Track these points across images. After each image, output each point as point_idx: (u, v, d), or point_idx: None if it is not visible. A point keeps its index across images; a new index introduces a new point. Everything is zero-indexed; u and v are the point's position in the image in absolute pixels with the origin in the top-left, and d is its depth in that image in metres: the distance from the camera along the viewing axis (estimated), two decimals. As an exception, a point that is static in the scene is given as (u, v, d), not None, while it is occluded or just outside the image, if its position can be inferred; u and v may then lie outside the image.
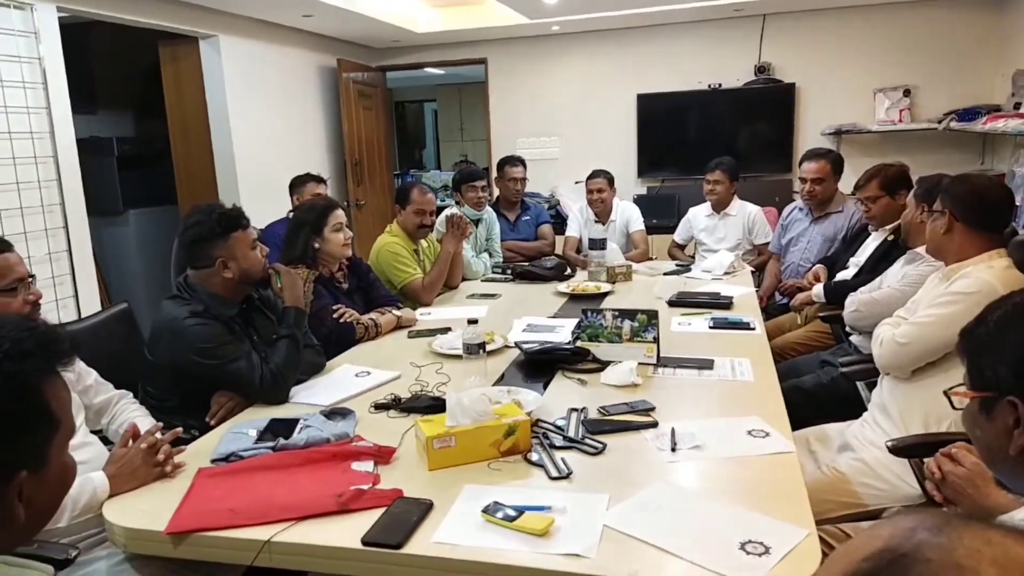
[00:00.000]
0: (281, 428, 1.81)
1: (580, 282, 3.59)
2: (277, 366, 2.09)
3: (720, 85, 5.96)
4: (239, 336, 2.13)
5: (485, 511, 1.37)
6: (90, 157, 4.18)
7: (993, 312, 1.07)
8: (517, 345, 2.46)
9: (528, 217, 4.59)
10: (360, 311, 2.82)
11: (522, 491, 1.49)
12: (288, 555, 1.35)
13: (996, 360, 1.01)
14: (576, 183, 5.80)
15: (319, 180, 4.14)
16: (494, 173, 4.86)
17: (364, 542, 1.32)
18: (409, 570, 1.29)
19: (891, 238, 3.03)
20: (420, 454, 1.66)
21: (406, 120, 10.95)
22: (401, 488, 1.49)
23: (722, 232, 4.34)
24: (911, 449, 1.81)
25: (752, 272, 3.89)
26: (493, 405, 1.73)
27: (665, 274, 3.72)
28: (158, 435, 1.65)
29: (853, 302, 2.71)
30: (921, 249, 2.45)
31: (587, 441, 1.70)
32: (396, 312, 2.90)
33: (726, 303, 3.05)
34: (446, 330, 2.71)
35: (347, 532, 1.35)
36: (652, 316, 2.28)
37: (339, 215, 2.80)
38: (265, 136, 5.17)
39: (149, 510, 1.48)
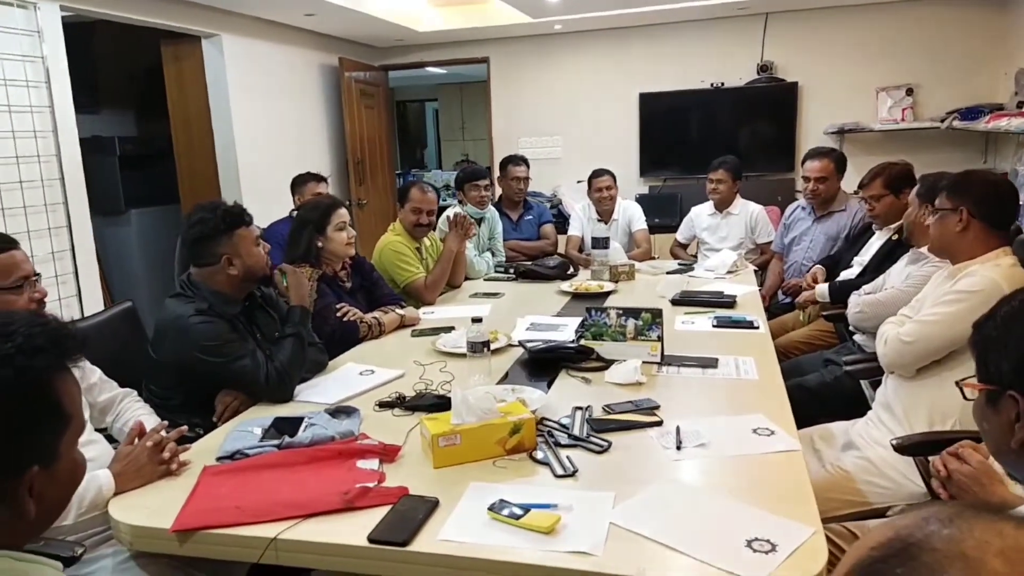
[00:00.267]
0: (286, 426, 1.81)
1: (583, 281, 3.59)
2: (282, 364, 2.09)
3: (722, 84, 5.96)
4: (243, 334, 2.13)
5: (491, 509, 1.37)
6: (92, 156, 4.18)
7: (1002, 307, 1.09)
8: (521, 344, 2.46)
9: (531, 217, 4.59)
10: (363, 310, 2.82)
11: (528, 489, 1.49)
12: (294, 552, 1.35)
13: (1000, 354, 1.03)
14: (578, 182, 5.80)
15: (320, 179, 4.14)
16: (496, 172, 4.86)
17: (370, 539, 1.32)
18: (415, 567, 1.29)
19: (895, 237, 3.03)
20: (425, 452, 1.66)
21: (407, 119, 10.95)
22: (406, 486, 1.49)
23: (724, 231, 4.34)
24: (916, 447, 1.81)
25: (755, 271, 3.89)
26: (498, 403, 1.73)
27: (668, 273, 3.72)
28: (163, 433, 1.65)
29: (857, 303, 2.71)
30: (925, 248, 2.44)
31: (592, 439, 1.70)
32: (399, 311, 2.90)
33: (729, 302, 3.05)
34: (449, 329, 2.71)
35: (353, 530, 1.35)
36: (656, 315, 2.28)
37: (342, 214, 2.79)
38: (267, 135, 5.17)
39: (155, 508, 1.48)
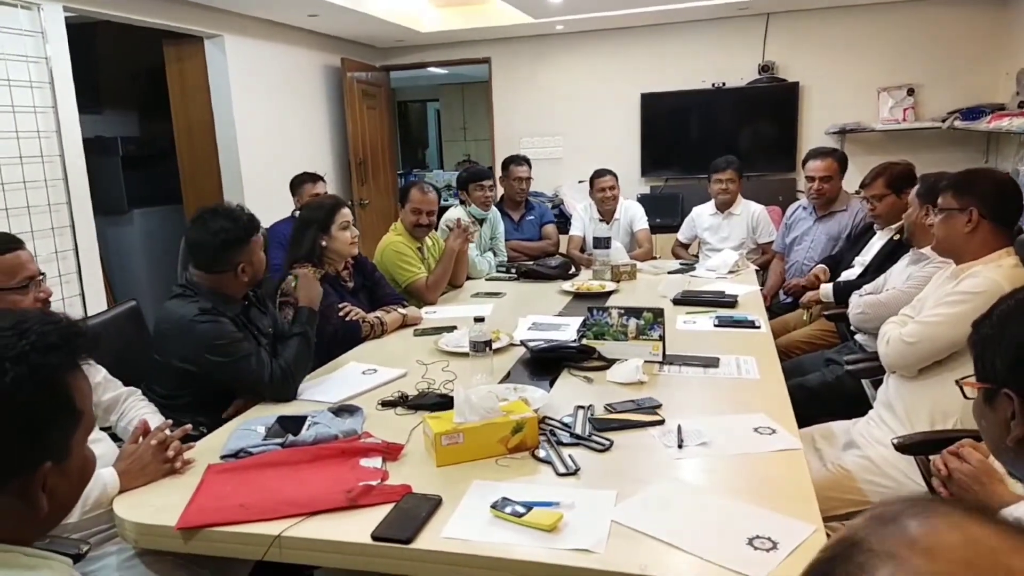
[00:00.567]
0: (290, 425, 1.82)
1: (584, 281, 3.60)
2: (287, 363, 2.10)
3: (724, 84, 5.97)
4: (244, 333, 2.14)
5: (494, 507, 1.38)
6: (95, 157, 4.19)
7: (999, 306, 1.09)
8: (523, 343, 2.46)
9: (532, 217, 4.60)
10: (365, 309, 2.83)
11: (530, 487, 1.50)
12: (298, 550, 1.36)
13: (995, 352, 1.04)
14: (580, 182, 5.81)
15: (317, 178, 4.17)
16: (498, 172, 4.86)
17: (374, 537, 1.32)
18: (419, 565, 1.30)
19: (897, 237, 3.03)
20: (428, 450, 1.67)
21: (409, 120, 10.96)
22: (409, 484, 1.50)
23: (726, 231, 4.34)
24: (917, 446, 1.81)
25: (756, 271, 3.89)
26: (500, 402, 1.74)
27: (669, 273, 3.73)
28: (168, 432, 1.66)
29: (858, 304, 2.71)
30: (927, 249, 2.44)
31: (594, 438, 1.71)
32: (402, 310, 2.91)
33: (731, 301, 3.05)
34: (452, 328, 2.72)
35: (357, 527, 1.36)
36: (658, 314, 2.29)
37: (346, 213, 2.81)
38: (269, 135, 5.18)
39: (159, 506, 1.49)
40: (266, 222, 4.04)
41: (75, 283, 3.65)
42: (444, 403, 1.88)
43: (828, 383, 2.69)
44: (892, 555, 0.45)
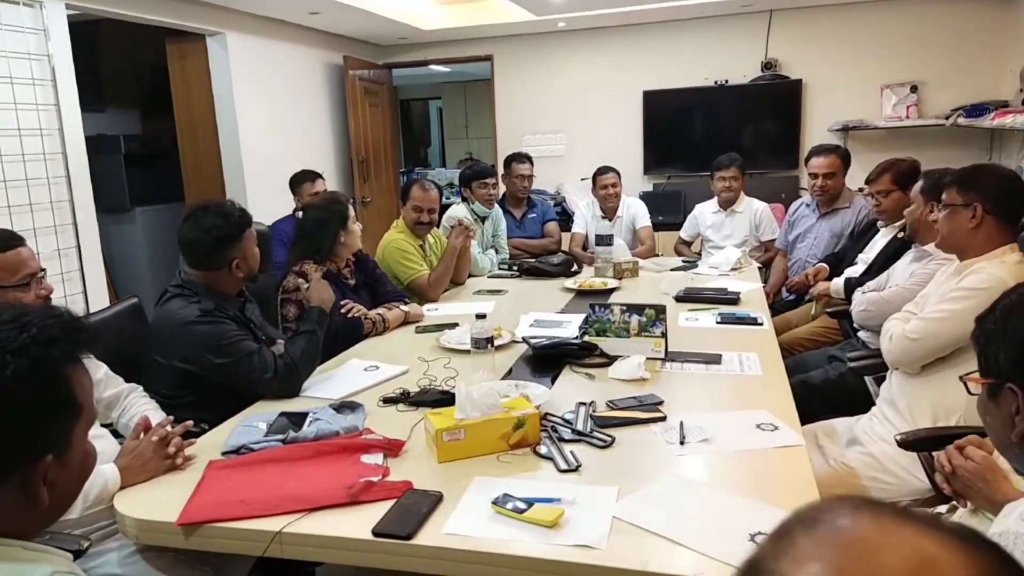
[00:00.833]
0: (291, 421, 1.82)
1: (587, 278, 3.59)
2: (293, 358, 2.11)
3: (727, 81, 5.96)
4: (245, 332, 2.14)
5: (495, 503, 1.37)
6: (98, 155, 4.20)
7: (1002, 300, 1.09)
8: (525, 340, 2.46)
9: (534, 215, 4.59)
10: (367, 307, 2.83)
11: (531, 483, 1.49)
12: (299, 546, 1.36)
13: (999, 347, 1.04)
14: (582, 180, 5.80)
15: (316, 176, 4.18)
16: (500, 170, 4.86)
17: (375, 533, 1.32)
18: (419, 561, 1.30)
19: (901, 235, 3.02)
20: (429, 447, 1.66)
21: (411, 118, 10.96)
22: (410, 480, 1.50)
23: (729, 229, 4.33)
24: (920, 443, 1.80)
25: (759, 268, 3.89)
26: (501, 399, 1.73)
27: (672, 270, 3.72)
28: (169, 428, 1.66)
29: (861, 301, 2.70)
30: (930, 246, 2.43)
31: (595, 434, 1.71)
32: (403, 307, 2.91)
33: (733, 298, 3.05)
34: (453, 325, 2.72)
35: (357, 523, 1.36)
36: (660, 311, 2.28)
37: (351, 208, 2.86)
38: (272, 133, 5.18)
39: (160, 502, 1.49)
40: (268, 220, 4.07)
41: (77, 281, 3.66)
42: (446, 400, 1.88)
43: (831, 380, 2.68)
44: (781, 574, 0.45)
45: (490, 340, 2.16)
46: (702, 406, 1.91)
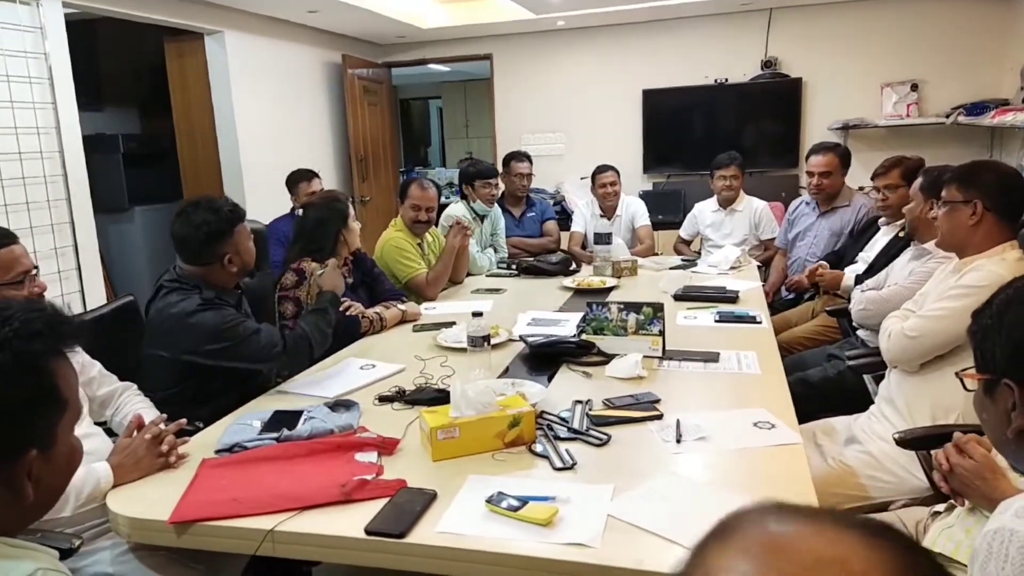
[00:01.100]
0: (285, 420, 1.81)
1: (585, 277, 3.58)
2: (303, 330, 2.20)
3: (726, 80, 5.94)
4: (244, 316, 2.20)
5: (489, 501, 1.36)
6: (96, 154, 4.19)
7: (998, 295, 1.07)
8: (522, 338, 2.45)
9: (533, 214, 4.58)
10: (365, 305, 2.83)
11: (526, 481, 1.49)
12: (291, 544, 1.35)
13: (995, 342, 1.03)
14: (582, 179, 5.79)
15: (313, 175, 4.17)
16: (500, 169, 4.84)
17: (367, 531, 1.31)
18: (412, 559, 1.29)
19: (903, 233, 3.01)
20: (424, 445, 1.65)
21: (412, 117, 10.96)
22: (405, 479, 1.49)
23: (728, 228, 4.32)
24: (918, 441, 1.79)
25: (758, 267, 3.87)
26: (497, 397, 1.72)
27: (671, 269, 3.71)
28: (162, 426, 1.65)
29: (860, 300, 2.69)
30: (929, 244, 2.42)
31: (591, 432, 1.70)
32: (401, 306, 2.90)
33: (732, 297, 3.03)
34: (451, 324, 2.71)
35: (350, 522, 1.35)
36: (658, 309, 2.27)
37: (351, 207, 2.87)
38: (270, 132, 5.17)
39: (153, 500, 1.48)
40: (267, 218, 4.06)
41: (74, 279, 3.65)
42: (441, 398, 1.87)
43: (830, 378, 2.66)
44: None
45: (487, 338, 2.15)
46: (699, 404, 1.90)
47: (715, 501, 1.40)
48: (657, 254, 4.46)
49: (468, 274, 3.76)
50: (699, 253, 4.43)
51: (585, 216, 4.56)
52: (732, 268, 3.70)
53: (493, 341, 2.29)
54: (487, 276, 3.86)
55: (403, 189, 3.52)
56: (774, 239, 4.23)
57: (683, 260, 4.06)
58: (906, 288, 2.50)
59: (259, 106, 5.05)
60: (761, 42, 5.84)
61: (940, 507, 1.55)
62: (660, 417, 1.78)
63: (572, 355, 2.27)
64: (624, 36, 6.13)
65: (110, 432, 1.89)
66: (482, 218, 4.09)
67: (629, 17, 5.87)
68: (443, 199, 5.29)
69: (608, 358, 2.21)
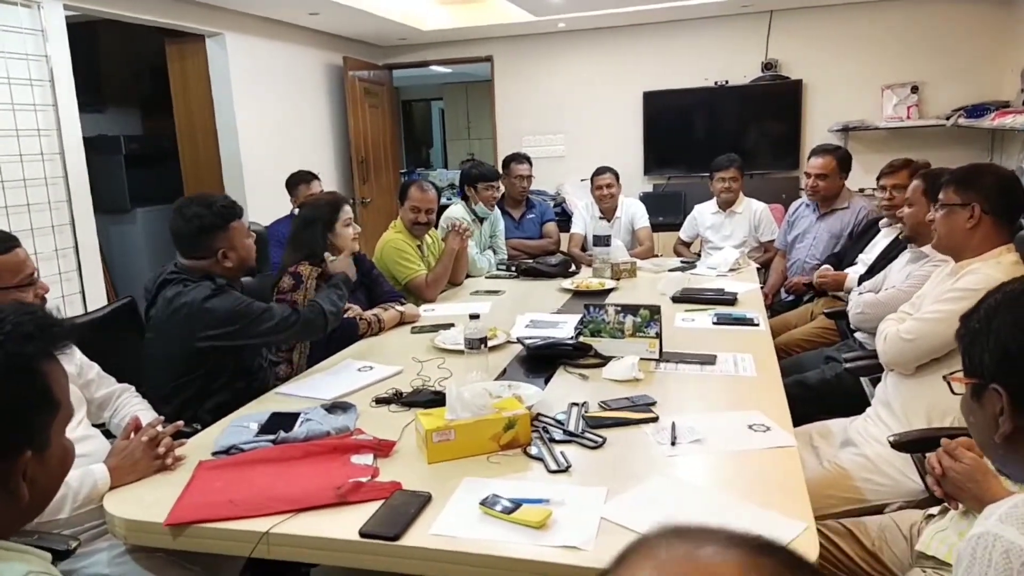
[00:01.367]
0: (282, 422, 1.81)
1: (584, 279, 3.59)
2: (317, 301, 2.31)
3: (727, 82, 5.95)
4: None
5: (483, 503, 1.37)
6: (98, 155, 4.21)
7: (987, 300, 1.07)
8: (519, 340, 2.46)
9: (533, 215, 4.58)
10: (363, 307, 2.83)
11: (521, 484, 1.49)
12: (286, 547, 1.36)
13: (983, 347, 1.02)
14: (582, 180, 5.79)
15: (312, 177, 4.17)
16: (500, 170, 4.85)
17: (362, 534, 1.32)
18: (406, 562, 1.29)
19: (903, 236, 3.01)
20: (420, 447, 1.66)
21: (413, 119, 10.97)
22: (400, 481, 1.49)
23: (728, 229, 4.33)
24: (913, 444, 1.80)
25: (758, 269, 3.88)
26: (494, 399, 1.73)
27: (670, 271, 3.72)
28: (159, 428, 1.65)
29: (858, 303, 2.69)
30: (927, 247, 2.42)
31: (587, 435, 1.70)
32: (399, 308, 2.90)
33: (730, 299, 3.04)
34: (449, 326, 2.72)
35: (345, 524, 1.35)
36: (655, 311, 2.28)
37: (348, 210, 2.85)
38: (271, 134, 5.18)
39: (149, 502, 1.48)
40: (268, 220, 4.08)
41: (75, 281, 3.66)
42: (438, 400, 1.87)
43: (827, 381, 2.67)
44: None
45: (484, 340, 2.16)
46: (695, 407, 1.90)
47: (708, 504, 1.40)
48: (657, 256, 4.46)
49: (467, 276, 3.77)
50: (699, 255, 4.43)
51: (585, 218, 4.57)
52: (731, 270, 3.70)
53: (491, 343, 2.30)
54: (486, 278, 3.86)
55: (403, 191, 3.52)
56: (774, 241, 4.23)
57: (682, 262, 4.07)
58: (903, 291, 2.50)
59: (260, 108, 5.07)
60: (761, 44, 5.85)
61: (934, 510, 1.55)
62: (656, 419, 1.79)
63: (569, 357, 2.28)
64: (625, 38, 6.13)
65: (108, 434, 1.90)
66: (481, 220, 4.09)
67: (629, 19, 5.87)
68: (442, 201, 5.30)
69: (605, 360, 2.22)
